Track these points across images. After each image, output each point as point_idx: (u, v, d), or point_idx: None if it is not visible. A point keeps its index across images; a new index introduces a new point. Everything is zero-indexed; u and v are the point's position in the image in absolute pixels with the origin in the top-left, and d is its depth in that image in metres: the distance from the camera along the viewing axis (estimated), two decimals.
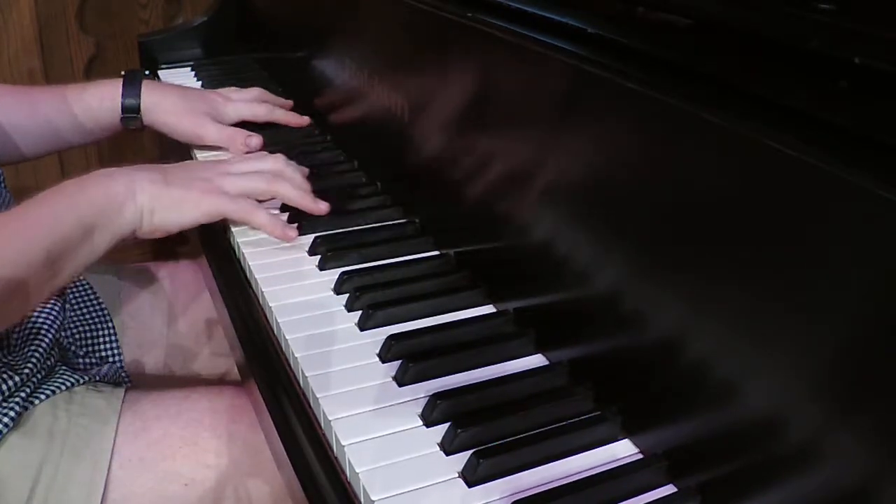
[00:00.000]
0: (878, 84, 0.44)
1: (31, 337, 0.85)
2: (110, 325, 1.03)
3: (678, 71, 0.54)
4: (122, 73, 1.08)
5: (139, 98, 1.05)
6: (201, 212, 0.83)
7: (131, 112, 1.05)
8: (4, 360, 0.81)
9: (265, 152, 0.96)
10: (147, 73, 1.10)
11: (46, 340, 0.85)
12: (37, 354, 0.83)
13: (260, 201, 0.87)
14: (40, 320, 0.87)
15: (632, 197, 0.57)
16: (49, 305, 0.89)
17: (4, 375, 0.78)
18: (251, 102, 1.13)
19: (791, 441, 0.45)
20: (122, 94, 1.05)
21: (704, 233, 0.51)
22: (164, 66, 1.48)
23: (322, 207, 0.88)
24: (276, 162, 0.91)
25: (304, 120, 1.15)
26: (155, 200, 0.81)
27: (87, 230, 0.76)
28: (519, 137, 0.69)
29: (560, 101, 0.63)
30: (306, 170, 0.93)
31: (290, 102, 1.18)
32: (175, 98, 1.08)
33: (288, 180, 0.88)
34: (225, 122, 1.08)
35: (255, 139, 1.05)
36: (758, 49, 0.52)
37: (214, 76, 1.41)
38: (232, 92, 1.15)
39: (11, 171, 1.22)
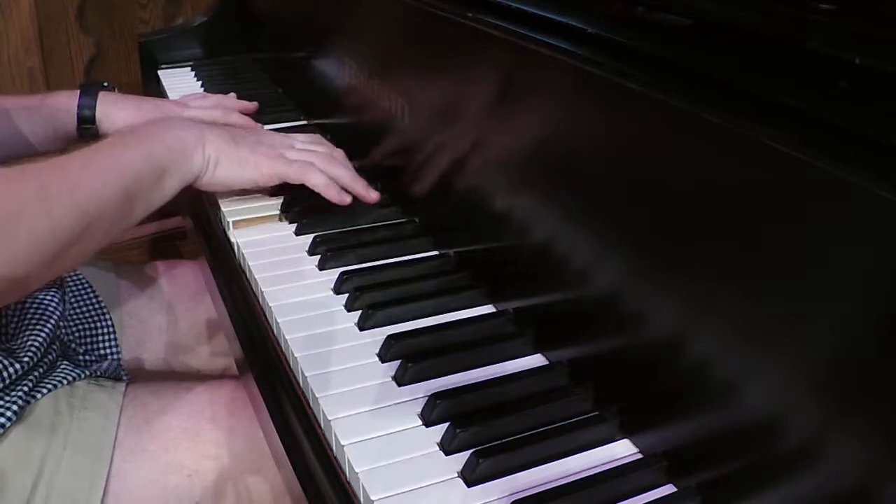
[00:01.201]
0: (878, 84, 0.44)
1: (32, 324, 0.85)
2: (109, 321, 1.03)
3: (678, 71, 0.54)
4: (80, 84, 1.09)
5: (94, 109, 1.06)
6: (261, 173, 0.88)
7: (87, 123, 1.06)
8: (3, 347, 0.81)
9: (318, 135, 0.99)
10: (106, 84, 1.11)
11: (46, 329, 0.85)
12: (36, 343, 0.83)
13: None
14: (41, 308, 0.87)
15: (631, 197, 0.57)
16: (49, 294, 0.89)
17: (5, 362, 0.78)
18: (208, 109, 1.13)
19: (790, 441, 0.45)
20: (78, 105, 1.06)
21: (704, 233, 0.51)
22: (163, 66, 1.48)
23: (373, 196, 0.91)
24: (331, 147, 0.95)
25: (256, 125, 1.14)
26: (221, 154, 0.85)
27: (160, 172, 0.79)
28: (518, 137, 0.69)
29: (560, 101, 0.63)
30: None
31: (254, 106, 1.19)
32: (130, 108, 1.09)
33: (345, 167, 0.92)
34: None
35: None
36: (758, 49, 0.52)
37: (214, 76, 1.41)
38: (190, 99, 1.17)
39: None
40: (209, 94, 1.20)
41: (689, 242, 0.52)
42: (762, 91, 0.48)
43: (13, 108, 1.04)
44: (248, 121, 1.14)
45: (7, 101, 1.06)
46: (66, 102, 1.06)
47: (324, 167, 0.89)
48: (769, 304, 0.46)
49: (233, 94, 1.20)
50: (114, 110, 1.07)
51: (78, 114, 1.06)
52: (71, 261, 0.73)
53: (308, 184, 0.88)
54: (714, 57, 0.54)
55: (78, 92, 1.07)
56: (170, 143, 0.82)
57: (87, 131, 1.07)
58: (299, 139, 0.95)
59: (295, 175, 0.88)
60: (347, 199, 0.88)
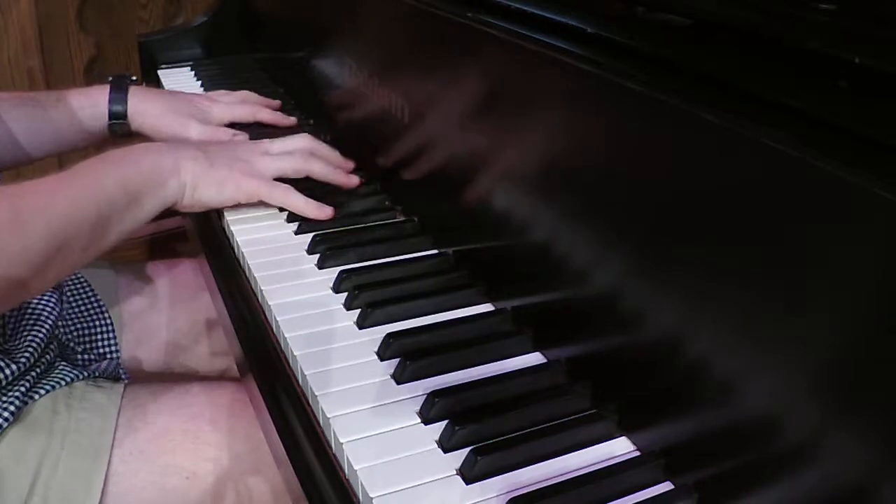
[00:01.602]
0: (878, 84, 0.44)
1: (29, 325, 0.85)
2: (108, 320, 1.03)
3: (678, 71, 0.54)
4: (109, 78, 1.08)
5: (126, 104, 1.06)
6: (240, 193, 0.88)
7: (119, 118, 1.06)
8: (0, 348, 0.81)
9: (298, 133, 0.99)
10: (133, 78, 1.11)
11: (44, 330, 0.85)
12: (34, 343, 0.83)
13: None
14: (38, 308, 0.87)
15: (631, 196, 0.57)
16: (46, 295, 0.89)
17: (2, 363, 0.78)
18: (236, 105, 1.14)
19: (788, 439, 0.45)
20: (110, 101, 1.05)
21: (703, 232, 0.51)
22: (163, 66, 1.48)
23: (354, 181, 0.94)
24: (309, 140, 0.95)
25: (291, 121, 1.16)
26: (198, 178, 0.85)
27: (134, 197, 0.79)
28: (517, 137, 0.69)
29: (560, 101, 0.63)
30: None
31: (277, 103, 1.19)
32: (160, 102, 1.09)
33: (321, 157, 0.93)
34: (211, 124, 1.10)
35: (241, 136, 1.06)
36: (758, 49, 0.52)
37: (214, 76, 1.41)
38: (218, 95, 1.17)
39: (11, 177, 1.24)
40: (236, 91, 1.19)
41: (689, 242, 0.52)
42: (762, 91, 0.49)
43: (33, 107, 1.04)
44: (281, 116, 1.15)
45: (25, 101, 1.05)
46: (94, 97, 1.06)
47: (302, 167, 0.91)
48: (768, 304, 0.46)
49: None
50: (146, 103, 1.07)
51: (109, 109, 1.05)
52: (44, 282, 0.73)
53: (288, 208, 0.89)
54: (714, 57, 0.54)
55: (107, 87, 1.07)
56: (144, 169, 0.81)
57: (117, 127, 1.06)
58: (273, 144, 0.94)
59: (275, 200, 0.89)
60: (329, 212, 0.88)
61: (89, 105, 1.05)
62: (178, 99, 1.12)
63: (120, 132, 1.07)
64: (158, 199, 0.82)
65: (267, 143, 0.94)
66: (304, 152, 0.93)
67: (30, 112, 1.03)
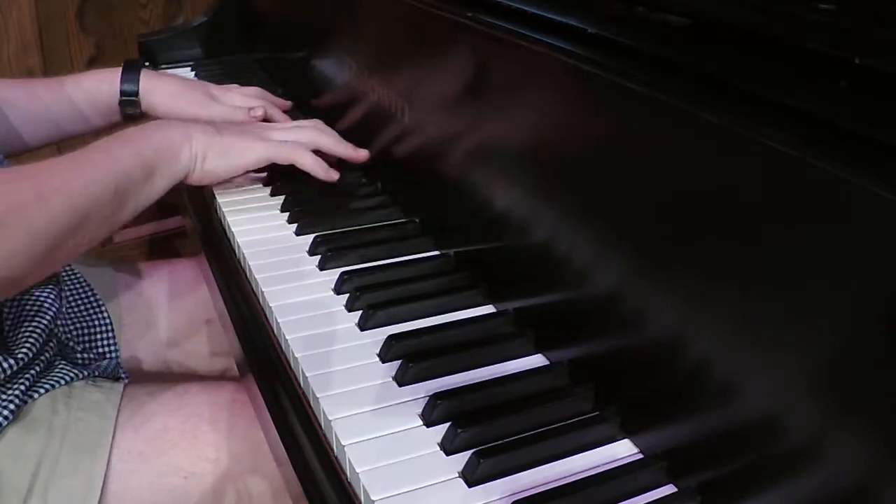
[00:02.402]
0: (878, 84, 0.44)
1: (28, 320, 0.85)
2: (107, 319, 1.03)
3: (678, 71, 0.54)
4: (123, 61, 1.11)
5: (138, 84, 1.08)
6: (249, 157, 0.89)
7: (130, 96, 1.07)
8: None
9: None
10: (147, 63, 1.14)
11: (43, 323, 0.85)
12: (32, 338, 0.83)
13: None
14: (38, 302, 0.87)
15: (631, 197, 0.57)
16: (45, 290, 0.89)
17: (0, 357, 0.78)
18: (249, 97, 1.14)
19: (790, 441, 0.45)
20: (121, 80, 1.08)
21: (704, 233, 0.51)
22: (163, 66, 1.48)
23: (362, 154, 0.96)
24: (318, 122, 0.98)
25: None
26: (207, 147, 0.87)
27: (149, 171, 0.81)
28: (518, 137, 0.69)
29: (560, 101, 0.63)
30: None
31: (287, 104, 1.19)
32: (172, 83, 1.11)
33: (329, 135, 0.96)
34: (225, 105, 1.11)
35: (259, 110, 1.08)
36: (758, 49, 0.52)
37: (214, 76, 1.41)
38: (233, 86, 1.17)
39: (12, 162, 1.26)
40: (248, 87, 1.19)
41: (690, 242, 0.52)
42: (762, 91, 0.48)
43: (49, 87, 1.07)
44: (286, 118, 1.15)
45: (41, 82, 1.09)
46: (108, 77, 1.08)
47: (310, 139, 0.93)
48: (769, 305, 0.46)
49: None
50: (158, 84, 1.09)
51: (121, 88, 1.07)
52: (64, 256, 0.75)
53: (297, 164, 0.91)
54: (714, 57, 0.54)
55: (119, 69, 1.09)
56: (157, 143, 0.83)
57: (128, 105, 1.08)
58: (280, 125, 0.97)
59: (283, 156, 0.90)
60: (335, 176, 0.91)
61: (103, 82, 1.08)
62: (189, 81, 1.14)
63: (131, 112, 1.09)
64: (172, 171, 0.84)
65: (273, 125, 0.98)
66: (312, 128, 0.95)
67: (42, 94, 1.06)
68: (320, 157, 0.94)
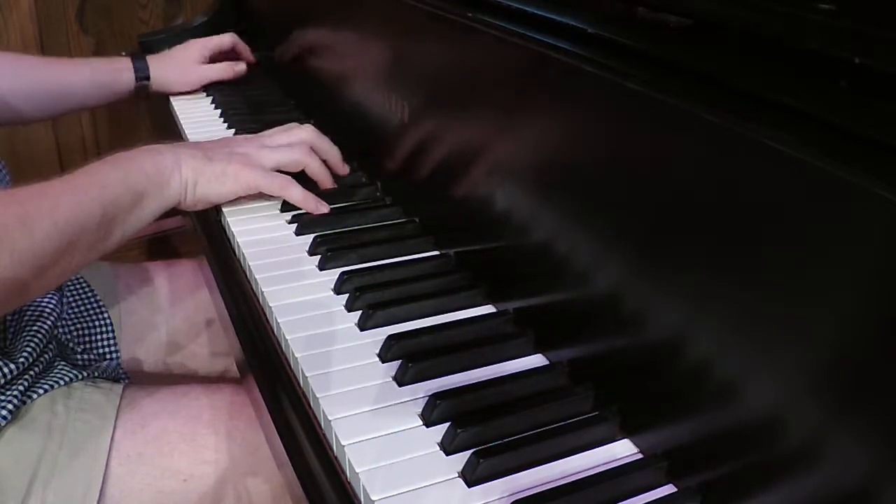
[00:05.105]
0: (878, 84, 0.44)
1: (29, 325, 0.85)
2: (107, 320, 1.03)
3: (678, 71, 0.54)
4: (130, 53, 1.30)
5: (147, 70, 1.28)
6: (239, 185, 0.88)
7: (143, 79, 1.27)
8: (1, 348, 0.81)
9: (296, 123, 0.99)
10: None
11: (44, 329, 0.85)
12: (32, 343, 0.83)
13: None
14: (39, 309, 0.87)
15: (631, 197, 0.57)
16: (46, 296, 0.89)
17: (0, 363, 0.78)
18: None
19: (791, 441, 0.45)
20: (134, 67, 1.27)
21: (704, 233, 0.51)
22: None
23: (344, 171, 0.98)
24: (308, 133, 0.95)
25: (242, 67, 1.38)
26: (198, 174, 0.85)
27: (137, 197, 0.80)
28: (518, 137, 0.69)
29: (560, 101, 0.63)
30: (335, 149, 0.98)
31: (250, 58, 1.41)
32: (175, 65, 1.33)
33: (322, 151, 0.95)
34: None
35: (240, 65, 1.37)
36: (758, 49, 0.52)
37: None
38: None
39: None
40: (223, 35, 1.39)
41: (690, 242, 0.52)
42: (762, 91, 0.48)
43: (60, 62, 1.23)
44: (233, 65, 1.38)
45: (50, 60, 1.25)
46: (125, 61, 1.27)
47: (300, 159, 0.92)
48: (769, 305, 0.46)
49: None
50: (163, 62, 1.31)
51: (135, 64, 1.27)
52: (50, 281, 0.73)
53: (287, 199, 0.89)
54: (714, 57, 0.54)
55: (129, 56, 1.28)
56: (147, 169, 0.82)
57: (141, 86, 1.28)
58: (273, 135, 0.95)
59: (274, 191, 0.89)
60: (325, 209, 0.89)
61: (122, 67, 1.26)
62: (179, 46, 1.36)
63: (141, 91, 1.28)
64: (161, 198, 0.83)
65: (267, 135, 0.95)
66: (305, 146, 0.93)
67: (53, 68, 1.20)
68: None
